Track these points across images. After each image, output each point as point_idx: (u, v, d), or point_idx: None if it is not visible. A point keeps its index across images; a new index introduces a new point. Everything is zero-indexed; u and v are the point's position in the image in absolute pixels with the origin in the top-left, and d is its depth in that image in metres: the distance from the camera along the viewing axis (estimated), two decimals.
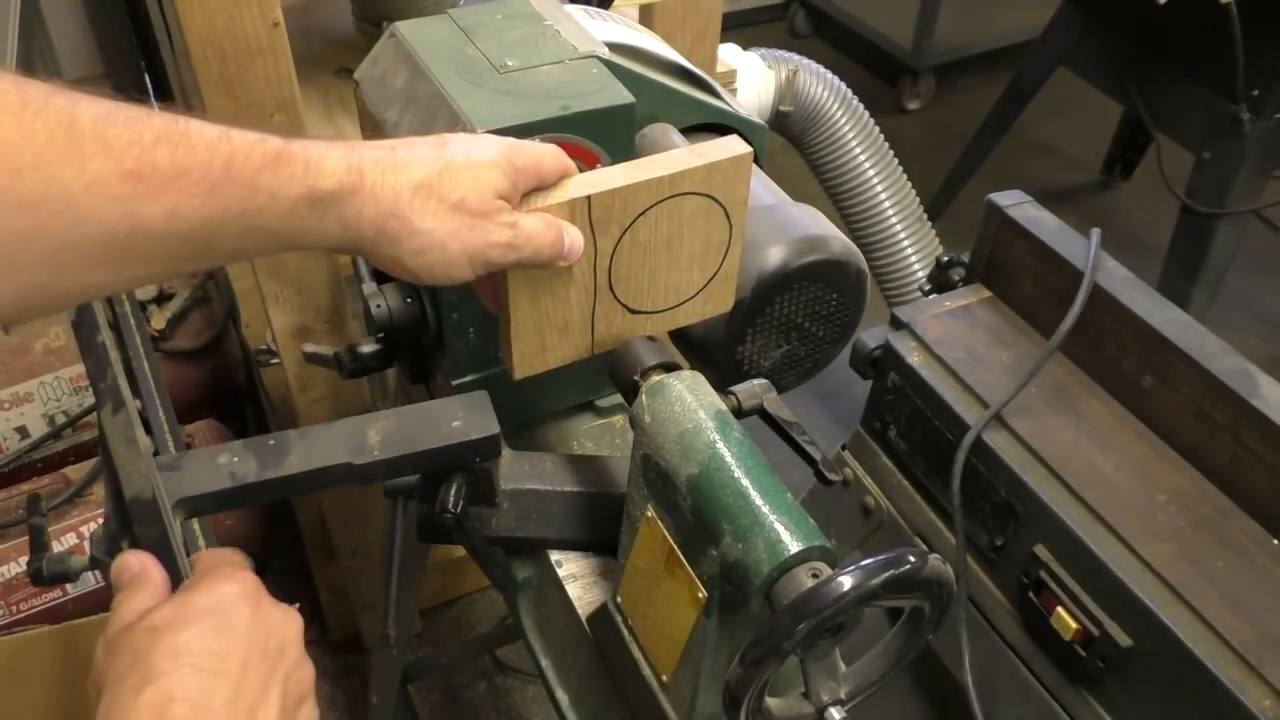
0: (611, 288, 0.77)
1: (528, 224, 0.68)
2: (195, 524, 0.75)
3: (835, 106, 1.67)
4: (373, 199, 0.63)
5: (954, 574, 0.65)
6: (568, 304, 0.76)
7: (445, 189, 0.65)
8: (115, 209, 0.53)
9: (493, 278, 0.74)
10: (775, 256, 0.87)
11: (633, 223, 0.74)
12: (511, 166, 0.68)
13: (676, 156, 0.75)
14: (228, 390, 1.85)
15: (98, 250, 0.54)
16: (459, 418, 0.81)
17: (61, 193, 0.51)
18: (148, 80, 2.35)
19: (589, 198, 0.71)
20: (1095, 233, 0.92)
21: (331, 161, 0.61)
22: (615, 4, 1.27)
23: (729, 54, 1.63)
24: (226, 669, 0.52)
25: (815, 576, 0.63)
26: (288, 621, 0.57)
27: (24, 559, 1.48)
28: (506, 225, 0.67)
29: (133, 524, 0.66)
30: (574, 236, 0.71)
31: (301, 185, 0.60)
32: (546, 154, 0.71)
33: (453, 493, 0.83)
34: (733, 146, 0.76)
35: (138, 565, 0.60)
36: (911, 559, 0.62)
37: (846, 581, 0.60)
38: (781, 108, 1.67)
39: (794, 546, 0.64)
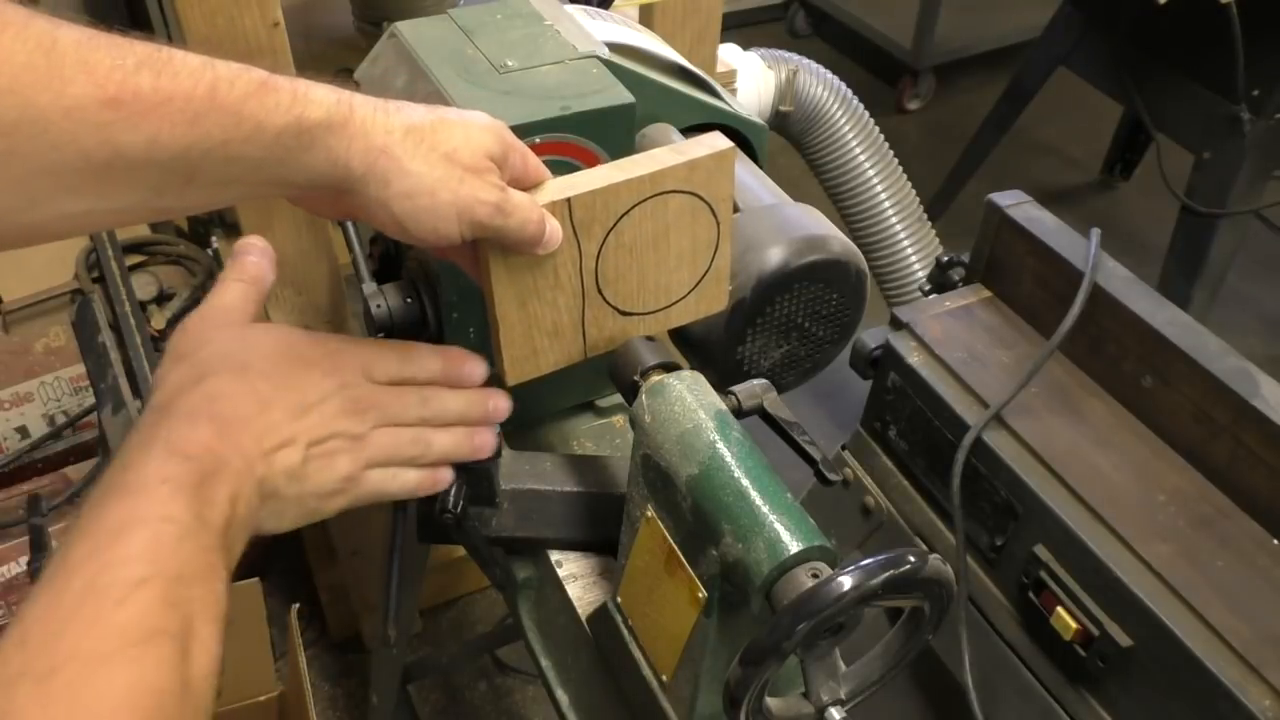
0: (600, 290, 0.77)
1: (516, 194, 0.68)
2: None
3: (835, 106, 1.67)
4: (363, 134, 0.62)
5: (954, 574, 0.65)
6: (556, 307, 0.76)
7: (438, 138, 0.65)
8: (93, 135, 0.52)
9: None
10: (775, 256, 0.87)
11: (616, 224, 0.74)
12: (502, 138, 0.68)
13: (657, 155, 0.75)
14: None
15: (73, 177, 0.53)
16: None
17: (38, 118, 0.50)
18: None
19: (569, 199, 0.71)
20: (1095, 233, 0.92)
21: (320, 93, 0.60)
22: (615, 4, 1.27)
23: (729, 54, 1.63)
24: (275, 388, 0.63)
25: (815, 577, 0.63)
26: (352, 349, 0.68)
27: (24, 559, 1.48)
28: (496, 187, 0.67)
29: None
30: (554, 226, 0.71)
31: (288, 114, 0.58)
32: (531, 152, 0.71)
33: (453, 493, 0.83)
34: (714, 143, 0.76)
35: (256, 259, 0.70)
36: (911, 559, 0.62)
37: (846, 581, 0.60)
38: (781, 108, 1.67)
39: (794, 546, 0.64)
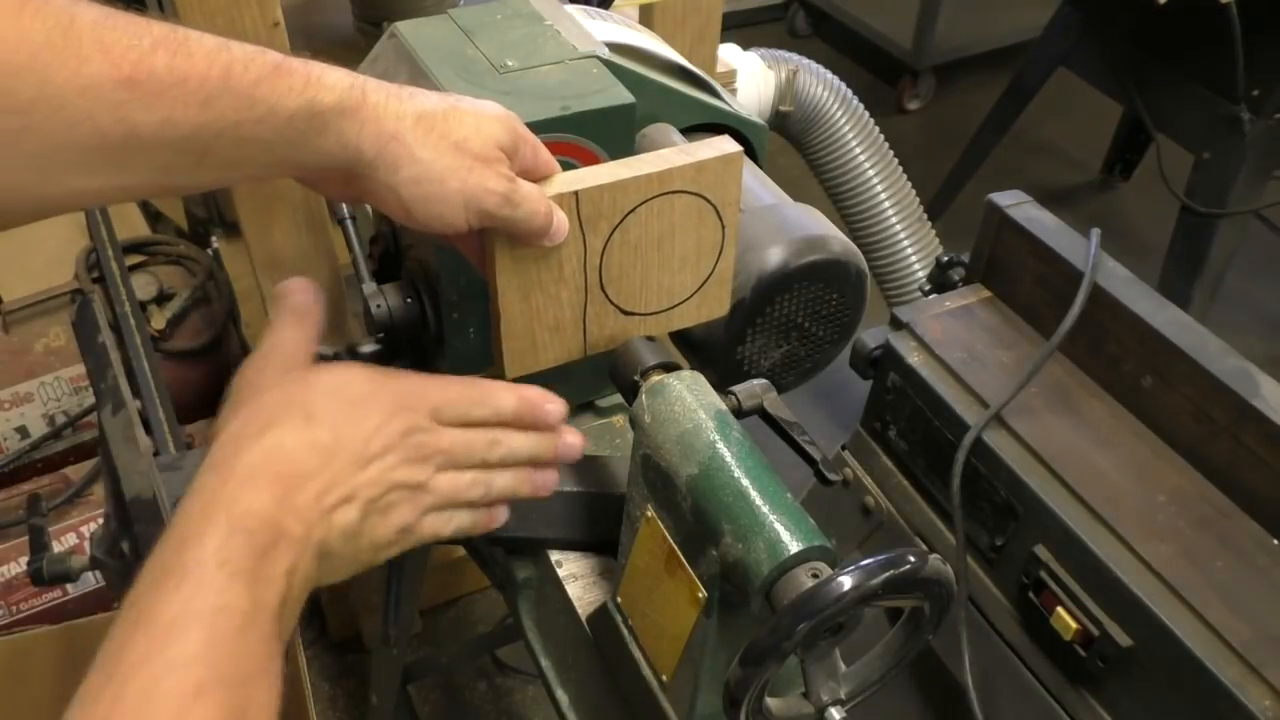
0: (603, 287, 0.77)
1: (525, 185, 0.68)
2: None
3: (835, 106, 1.67)
4: (375, 119, 0.62)
5: (954, 574, 0.65)
6: (559, 302, 0.76)
7: (449, 126, 0.65)
8: (109, 114, 0.52)
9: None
10: (775, 256, 0.87)
11: (622, 220, 0.74)
12: (514, 130, 0.68)
13: (666, 155, 0.75)
14: (228, 390, 1.85)
15: (87, 155, 0.53)
16: None
17: (54, 95, 0.50)
18: None
19: (576, 193, 0.71)
20: (1095, 233, 0.92)
21: (334, 77, 0.61)
22: (615, 4, 1.27)
23: (729, 54, 1.63)
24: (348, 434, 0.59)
25: (815, 577, 0.63)
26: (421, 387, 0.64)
27: (24, 559, 1.48)
28: (505, 177, 0.67)
29: (133, 524, 0.66)
30: (561, 218, 0.71)
31: (301, 98, 0.59)
32: (542, 145, 0.71)
33: None
34: (722, 146, 0.76)
35: (302, 295, 0.66)
36: (911, 559, 0.62)
37: (846, 581, 0.60)
38: (781, 108, 1.67)
39: (794, 546, 0.64)
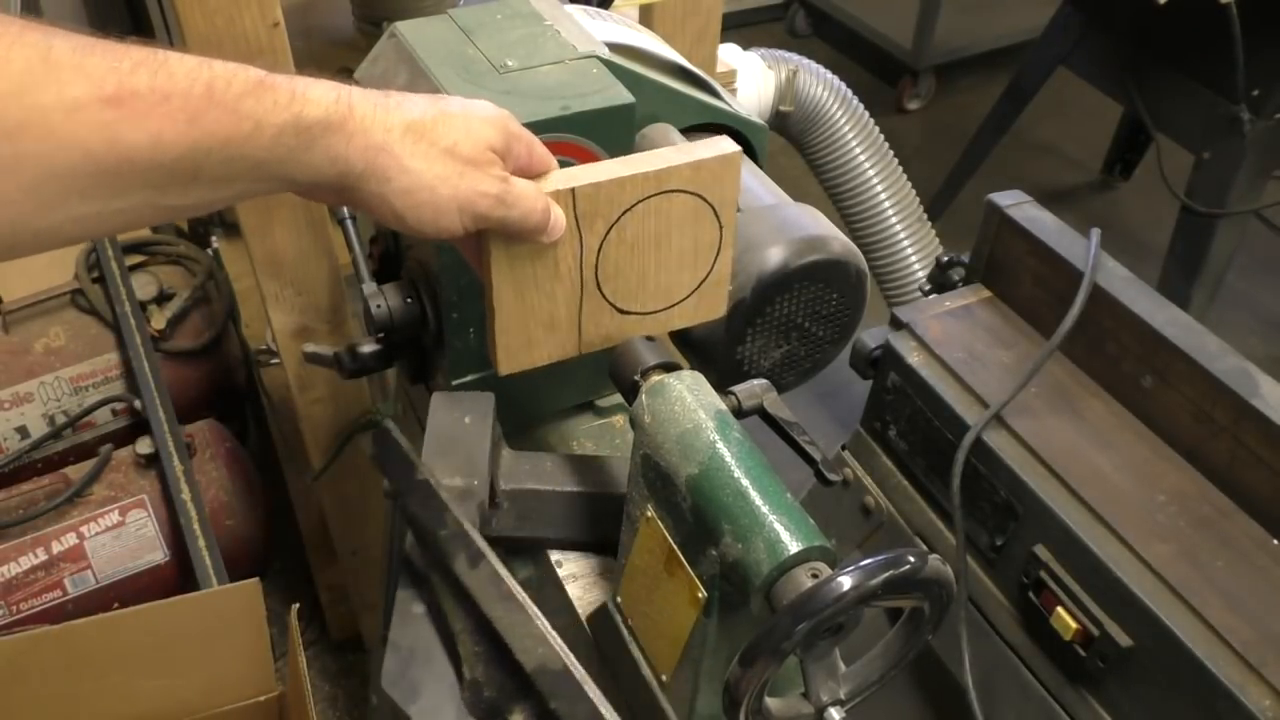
0: (599, 286, 0.77)
1: (519, 184, 0.68)
2: None
3: (835, 106, 1.67)
4: (362, 132, 0.62)
5: (954, 574, 0.65)
6: (554, 299, 0.76)
7: (438, 133, 0.65)
8: (98, 135, 0.53)
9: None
10: (775, 256, 0.87)
11: (619, 219, 0.74)
12: (506, 129, 0.68)
13: (663, 154, 0.75)
14: (228, 390, 1.85)
15: (82, 179, 0.53)
16: None
17: (42, 119, 0.51)
18: None
19: (573, 190, 0.71)
20: (1095, 233, 0.92)
21: (319, 91, 0.61)
22: (615, 4, 1.27)
23: (729, 54, 1.63)
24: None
25: (815, 577, 0.63)
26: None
27: (24, 559, 1.48)
28: (498, 178, 0.67)
29: (546, 699, 0.65)
30: (558, 214, 0.71)
31: (287, 112, 0.59)
32: (537, 140, 0.71)
33: None
34: (720, 146, 0.76)
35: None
36: (911, 559, 0.62)
37: (846, 582, 0.60)
38: (781, 108, 1.67)
39: (794, 546, 0.64)
